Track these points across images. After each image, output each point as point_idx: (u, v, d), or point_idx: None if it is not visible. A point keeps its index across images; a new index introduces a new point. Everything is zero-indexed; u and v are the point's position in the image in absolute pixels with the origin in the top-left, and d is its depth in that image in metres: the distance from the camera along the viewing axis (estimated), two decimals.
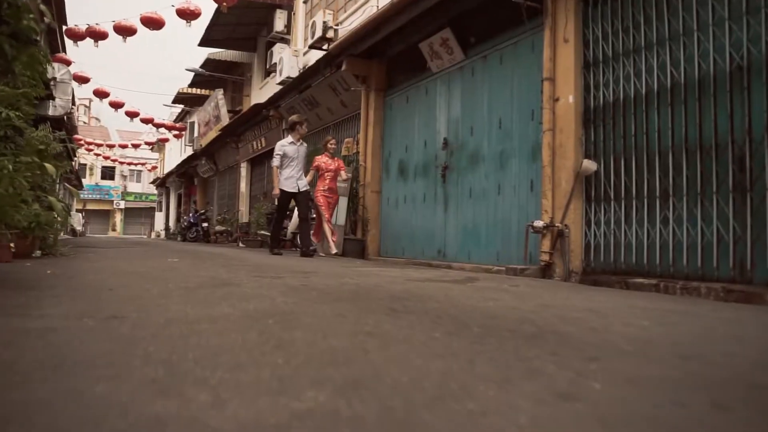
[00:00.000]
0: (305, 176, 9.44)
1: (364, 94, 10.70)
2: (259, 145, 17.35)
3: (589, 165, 5.74)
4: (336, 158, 9.92)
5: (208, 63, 20.70)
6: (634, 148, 5.43)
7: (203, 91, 24.41)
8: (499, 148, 7.31)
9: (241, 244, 15.40)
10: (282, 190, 9.08)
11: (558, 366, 1.49)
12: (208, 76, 20.86)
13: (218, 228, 19.09)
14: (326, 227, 9.46)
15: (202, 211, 21.38)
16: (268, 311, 2.40)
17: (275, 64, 15.36)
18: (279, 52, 15.14)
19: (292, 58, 14.30)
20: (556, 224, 6.01)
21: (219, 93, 20.05)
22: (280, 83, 14.74)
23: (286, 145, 9.26)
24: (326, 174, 9.55)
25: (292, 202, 9.54)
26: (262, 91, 18.02)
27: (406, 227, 9.51)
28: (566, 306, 2.98)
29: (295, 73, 13.91)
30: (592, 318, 2.49)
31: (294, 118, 9.50)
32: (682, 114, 5.01)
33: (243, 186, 19.17)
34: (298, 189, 9.07)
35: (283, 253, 8.98)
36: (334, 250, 9.32)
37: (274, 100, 14.67)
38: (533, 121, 6.76)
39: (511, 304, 2.94)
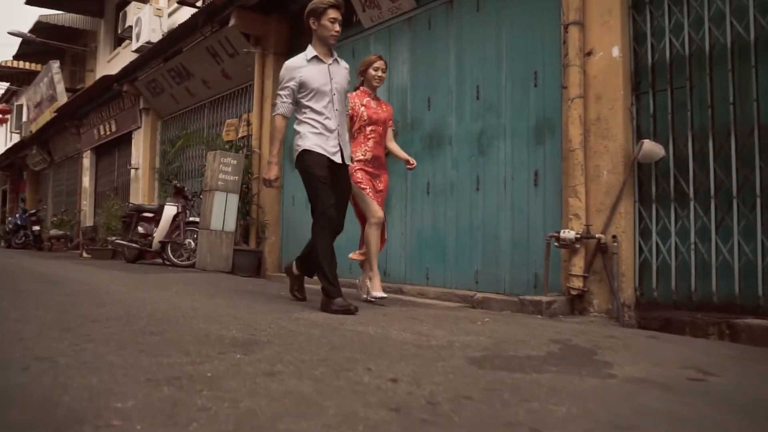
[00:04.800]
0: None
1: (258, 60, 8.21)
2: (107, 129, 14.01)
3: (654, 148, 3.85)
4: (382, 101, 4.75)
5: (41, 28, 16.66)
6: (734, 122, 3.61)
7: (33, 66, 20.03)
8: (477, 125, 5.27)
9: (85, 254, 12.12)
10: (311, 152, 3.83)
11: None
12: (40, 44, 16.79)
13: (53, 232, 15.33)
14: (372, 236, 4.39)
15: (33, 211, 17.27)
16: None
17: (130, 27, 12.24)
18: (135, 12, 12.05)
19: (153, 19, 11.31)
20: (596, 235, 4.08)
21: (54, 65, 16.21)
22: (136, 50, 11.68)
23: (303, 65, 3.95)
24: (368, 129, 4.50)
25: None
26: (111, 65, 14.63)
27: None
28: None
29: (157, 37, 10.97)
30: None
31: (315, 3, 3.95)
32: None
33: (87, 180, 15.60)
34: (342, 158, 3.97)
35: (355, 310, 3.61)
36: (380, 293, 4.45)
37: (128, 72, 11.59)
38: (537, 86, 4.78)
39: None
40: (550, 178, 4.63)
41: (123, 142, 13.45)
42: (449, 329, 2.89)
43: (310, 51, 3.99)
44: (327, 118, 3.92)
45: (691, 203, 3.78)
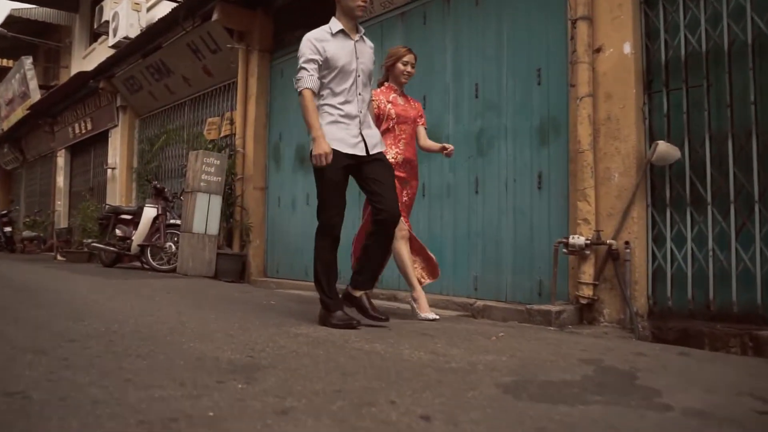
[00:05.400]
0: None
1: (242, 57, 7.91)
2: (83, 127, 13.55)
3: (670, 150, 3.66)
4: (410, 97, 4.21)
5: (12, 23, 16.10)
6: (755, 123, 3.43)
7: (5, 62, 19.43)
8: (476, 125, 5.04)
9: (59, 257, 11.68)
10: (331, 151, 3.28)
11: None
12: (12, 39, 16.20)
13: (26, 234, 14.80)
14: (403, 251, 3.92)
15: (4, 212, 16.67)
16: None
17: (106, 22, 11.81)
18: (112, 6, 11.62)
19: (131, 14, 10.93)
20: (606, 241, 3.87)
21: (27, 61, 15.66)
22: (113, 46, 11.27)
23: (327, 39, 3.38)
24: (396, 128, 3.98)
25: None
26: (87, 61, 14.18)
27: (310, 238, 6.84)
28: None
29: (135, 33, 10.58)
30: None
31: None
32: None
33: (61, 180, 15.11)
34: (367, 151, 3.40)
35: (357, 324, 3.27)
36: (428, 314, 3.89)
37: (105, 69, 11.20)
38: (540, 84, 4.57)
39: None
40: (555, 181, 4.42)
41: (99, 140, 13.01)
42: (465, 347, 2.65)
43: (335, 24, 3.41)
44: (347, 102, 3.37)
45: (709, 208, 3.60)
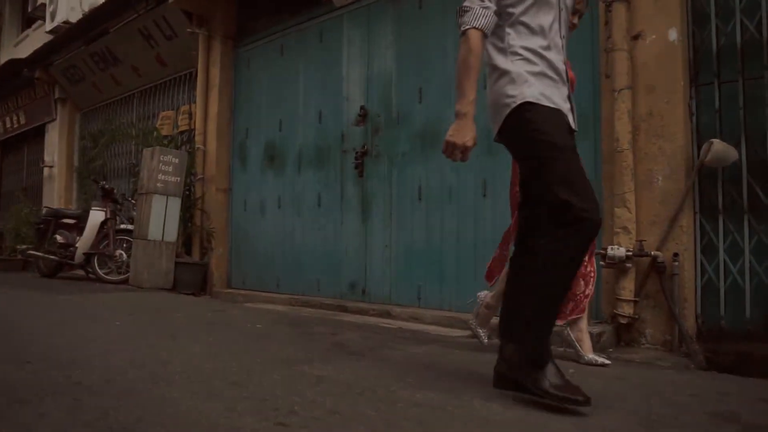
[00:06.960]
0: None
1: (202, 44, 7.15)
2: (15, 121, 12.34)
3: (727, 150, 3.22)
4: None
5: None
6: None
7: None
8: (483, 121, 4.48)
9: None
10: (538, 107, 2.07)
11: None
12: None
13: None
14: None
15: None
16: None
17: (43, 5, 10.73)
18: None
19: None
20: (650, 252, 3.40)
21: None
22: (51, 32, 10.22)
23: None
24: None
25: None
26: (18, 49, 12.90)
27: (282, 246, 6.25)
28: None
29: (77, 16, 9.59)
30: None
31: None
32: None
33: None
34: (573, 118, 2.20)
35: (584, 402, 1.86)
36: (592, 356, 2.85)
37: (41, 56, 10.15)
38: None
39: None
40: None
41: (34, 136, 11.84)
42: None
43: None
44: (551, 48, 2.13)
45: None
